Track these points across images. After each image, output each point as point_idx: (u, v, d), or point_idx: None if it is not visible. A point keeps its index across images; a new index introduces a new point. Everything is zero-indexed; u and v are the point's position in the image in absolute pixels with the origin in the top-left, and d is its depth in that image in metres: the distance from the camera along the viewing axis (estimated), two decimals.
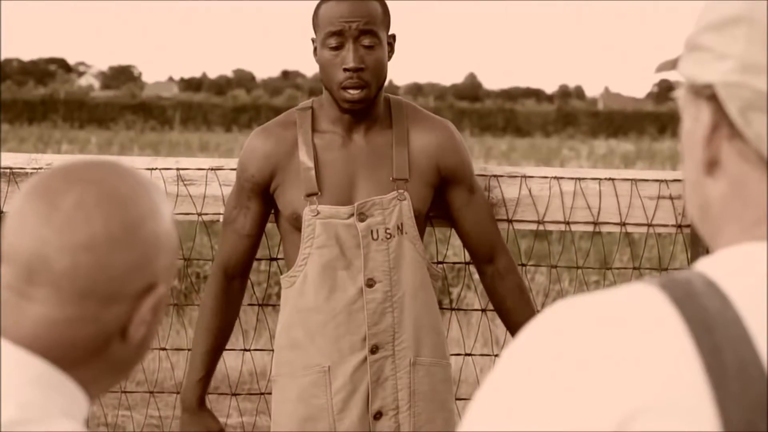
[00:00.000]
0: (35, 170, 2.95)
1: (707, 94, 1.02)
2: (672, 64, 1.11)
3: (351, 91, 2.62)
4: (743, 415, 0.89)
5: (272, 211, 2.79)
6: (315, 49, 2.70)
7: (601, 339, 0.92)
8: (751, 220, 1.00)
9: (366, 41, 2.63)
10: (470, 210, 2.78)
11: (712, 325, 0.91)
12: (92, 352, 1.18)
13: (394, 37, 2.72)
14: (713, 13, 1.03)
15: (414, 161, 2.71)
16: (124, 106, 40.55)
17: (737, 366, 0.90)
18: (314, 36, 2.71)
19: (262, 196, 2.72)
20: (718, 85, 1.01)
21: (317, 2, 2.71)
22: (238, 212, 2.74)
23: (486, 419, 0.94)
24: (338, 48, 2.63)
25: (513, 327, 2.81)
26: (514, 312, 2.81)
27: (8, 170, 2.97)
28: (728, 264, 0.98)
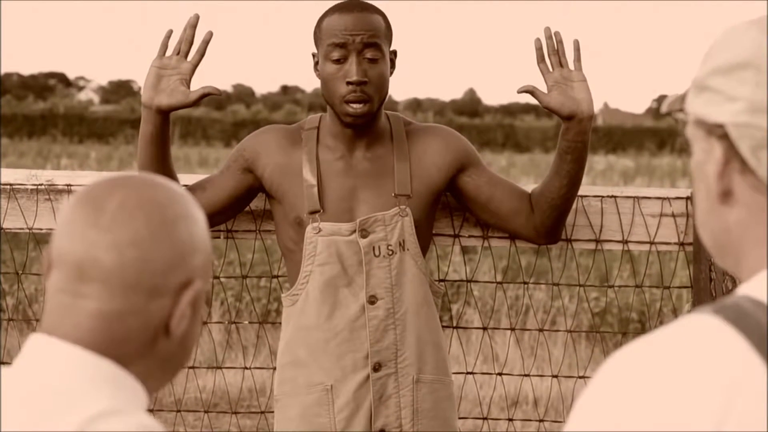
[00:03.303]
0: (35, 186, 2.94)
1: (719, 133, 1.13)
2: (680, 102, 1.23)
3: (354, 105, 2.61)
4: None
5: (271, 224, 2.78)
6: (316, 64, 2.69)
7: (679, 371, 1.04)
8: None
9: (369, 54, 2.62)
10: (495, 180, 2.76)
11: None
12: (143, 346, 1.29)
13: (395, 53, 2.71)
14: (720, 58, 1.15)
15: (418, 173, 2.70)
16: (124, 120, 40.46)
17: None
18: (315, 51, 2.70)
19: (239, 172, 2.71)
20: (729, 125, 1.12)
21: (319, 17, 2.71)
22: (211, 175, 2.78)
23: None
24: (341, 61, 2.62)
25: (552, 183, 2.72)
26: (547, 183, 2.72)
27: (8, 186, 2.96)
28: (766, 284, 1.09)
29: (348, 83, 2.60)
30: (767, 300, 1.08)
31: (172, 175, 2.69)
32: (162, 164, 2.65)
